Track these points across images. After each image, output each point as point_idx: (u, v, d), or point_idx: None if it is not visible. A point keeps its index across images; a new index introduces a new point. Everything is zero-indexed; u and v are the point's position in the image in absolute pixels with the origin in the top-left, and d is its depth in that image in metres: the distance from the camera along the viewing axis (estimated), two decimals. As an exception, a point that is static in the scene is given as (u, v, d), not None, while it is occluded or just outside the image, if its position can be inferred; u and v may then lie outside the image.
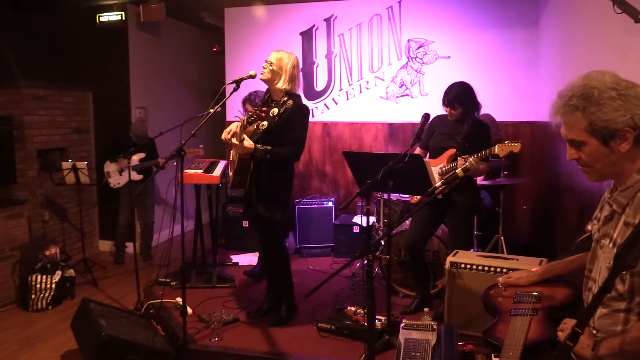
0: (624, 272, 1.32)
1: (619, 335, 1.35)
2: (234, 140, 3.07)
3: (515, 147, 3.07)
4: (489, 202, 4.45)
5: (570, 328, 1.45)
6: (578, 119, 1.37)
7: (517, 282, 1.96)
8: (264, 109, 3.16)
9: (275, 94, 3.27)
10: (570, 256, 1.86)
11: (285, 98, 3.22)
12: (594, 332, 1.44)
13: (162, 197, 5.72)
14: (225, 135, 3.22)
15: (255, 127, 3.24)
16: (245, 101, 4.38)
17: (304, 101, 3.72)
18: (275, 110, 3.20)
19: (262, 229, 3.37)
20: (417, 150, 3.53)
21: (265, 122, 3.19)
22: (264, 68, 3.22)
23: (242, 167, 3.22)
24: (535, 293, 1.85)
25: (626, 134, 1.33)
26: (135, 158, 4.88)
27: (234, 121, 3.22)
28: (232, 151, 3.36)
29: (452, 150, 3.30)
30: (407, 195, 4.03)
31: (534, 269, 2.00)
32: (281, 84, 3.22)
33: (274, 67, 3.19)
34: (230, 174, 3.34)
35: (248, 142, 3.08)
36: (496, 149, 3.09)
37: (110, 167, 4.95)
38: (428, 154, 3.53)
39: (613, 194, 1.45)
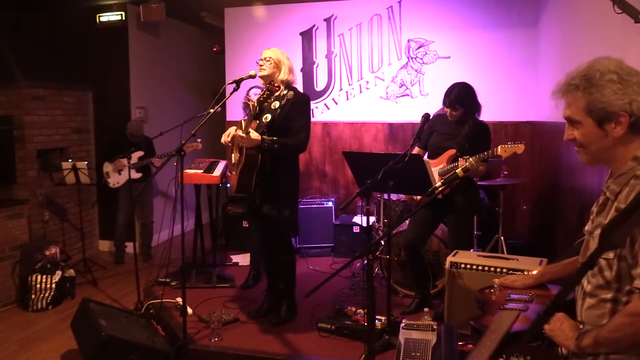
0: (610, 252, 1.32)
1: (603, 325, 1.35)
2: (240, 133, 3.03)
3: (519, 148, 3.06)
4: (488, 202, 4.45)
5: (556, 319, 1.45)
6: (578, 97, 1.39)
7: (513, 284, 1.94)
8: (277, 85, 3.15)
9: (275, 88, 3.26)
10: (568, 259, 1.85)
11: (285, 91, 3.22)
12: (581, 326, 1.43)
13: (162, 197, 5.72)
14: (224, 138, 3.20)
15: (258, 121, 3.23)
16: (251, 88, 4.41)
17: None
18: (277, 103, 3.20)
19: (268, 228, 3.32)
20: (416, 150, 3.52)
21: (268, 115, 3.19)
22: (262, 65, 3.21)
23: (249, 164, 3.11)
24: (528, 294, 1.83)
25: (620, 118, 1.34)
26: (134, 156, 4.87)
27: (234, 121, 3.22)
28: (232, 154, 3.33)
29: (452, 151, 3.30)
30: (403, 196, 4.03)
31: (532, 272, 1.99)
32: (283, 75, 3.23)
33: (272, 62, 3.20)
34: (233, 173, 3.29)
35: (255, 134, 3.04)
36: (499, 150, 3.08)
37: (108, 167, 4.95)
38: (427, 154, 3.53)
39: (608, 181, 1.45)
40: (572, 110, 1.41)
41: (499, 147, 3.09)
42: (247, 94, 4.49)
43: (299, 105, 3.20)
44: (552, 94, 1.47)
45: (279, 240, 3.38)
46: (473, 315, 1.79)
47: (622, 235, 1.02)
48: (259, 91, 3.91)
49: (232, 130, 3.18)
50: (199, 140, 4.42)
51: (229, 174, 3.52)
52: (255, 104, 3.10)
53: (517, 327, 1.63)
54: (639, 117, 1.33)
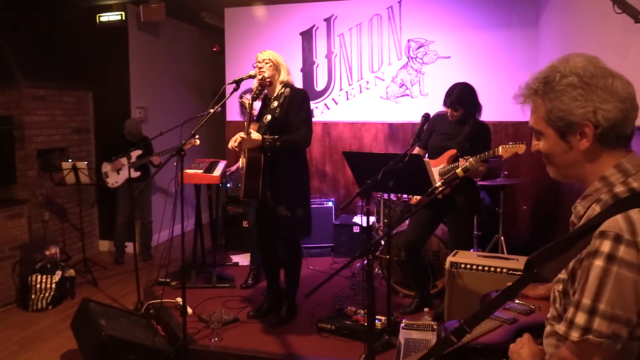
0: (559, 284, 1.20)
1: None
2: (242, 135, 3.05)
3: (520, 148, 3.05)
4: (488, 202, 4.45)
5: (520, 341, 1.33)
6: (538, 104, 1.23)
7: (526, 292, 1.84)
8: (268, 80, 3.14)
9: (274, 90, 3.26)
10: None
11: (282, 90, 3.23)
12: (546, 356, 1.30)
13: (162, 197, 5.72)
14: (232, 144, 3.20)
15: (259, 123, 3.23)
16: (245, 92, 4.40)
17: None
18: (275, 102, 3.21)
19: (279, 229, 3.29)
20: (416, 150, 3.52)
21: (268, 116, 3.20)
22: (261, 68, 3.20)
23: (252, 166, 3.11)
24: (531, 306, 1.73)
25: (585, 128, 1.15)
26: (133, 155, 4.86)
27: (234, 121, 3.22)
28: (241, 158, 3.32)
29: (453, 151, 3.30)
30: (406, 196, 4.03)
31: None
32: (283, 77, 3.24)
33: (272, 64, 3.20)
34: (242, 177, 3.28)
35: (255, 135, 3.06)
36: (500, 150, 3.08)
37: (107, 167, 4.94)
38: (427, 154, 3.53)
39: (577, 200, 1.29)
40: (534, 119, 1.26)
41: (500, 147, 3.08)
42: (243, 95, 4.49)
43: (296, 100, 3.19)
44: (513, 98, 1.29)
45: (287, 241, 3.37)
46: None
47: (552, 269, 0.90)
48: None
49: (238, 135, 3.18)
50: (197, 136, 4.41)
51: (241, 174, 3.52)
52: (250, 102, 3.11)
53: (486, 339, 1.55)
54: (607, 128, 1.13)
